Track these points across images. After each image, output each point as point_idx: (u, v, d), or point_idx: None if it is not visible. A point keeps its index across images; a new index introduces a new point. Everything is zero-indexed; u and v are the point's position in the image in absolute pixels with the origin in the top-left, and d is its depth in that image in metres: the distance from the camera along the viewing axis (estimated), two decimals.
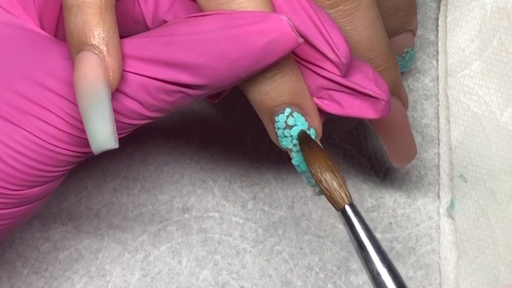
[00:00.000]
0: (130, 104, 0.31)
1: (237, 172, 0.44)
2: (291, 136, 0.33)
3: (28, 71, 0.32)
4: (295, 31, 0.29)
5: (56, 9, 0.34)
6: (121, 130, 0.32)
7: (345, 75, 0.32)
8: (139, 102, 0.31)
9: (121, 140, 0.31)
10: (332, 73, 0.32)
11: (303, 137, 0.32)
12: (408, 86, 0.45)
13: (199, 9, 0.31)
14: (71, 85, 0.30)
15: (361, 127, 0.45)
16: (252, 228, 0.43)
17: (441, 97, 0.45)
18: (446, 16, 0.45)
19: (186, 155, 0.45)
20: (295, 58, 0.32)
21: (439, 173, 0.43)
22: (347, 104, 0.33)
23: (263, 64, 0.30)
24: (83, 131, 0.30)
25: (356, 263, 0.42)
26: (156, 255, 0.43)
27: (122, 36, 0.31)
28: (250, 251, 0.43)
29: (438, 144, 0.44)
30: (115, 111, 0.30)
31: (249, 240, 0.43)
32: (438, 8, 0.47)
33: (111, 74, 0.30)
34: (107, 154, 0.33)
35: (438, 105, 0.45)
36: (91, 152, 0.31)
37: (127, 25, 0.33)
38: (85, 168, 0.44)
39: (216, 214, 0.44)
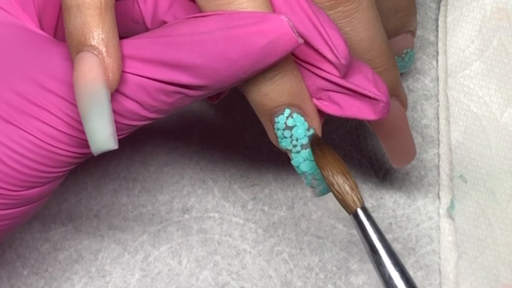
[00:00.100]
0: (129, 105, 0.31)
1: (237, 172, 0.44)
2: (290, 137, 0.33)
3: (28, 72, 0.32)
4: (295, 31, 0.29)
5: (56, 10, 0.34)
6: (121, 131, 0.32)
7: (344, 76, 0.32)
8: (139, 103, 0.31)
9: (120, 141, 0.31)
10: (331, 74, 0.32)
11: (315, 140, 0.32)
12: (408, 87, 0.45)
13: (199, 9, 0.31)
14: (71, 86, 0.30)
15: (361, 128, 0.45)
16: (252, 228, 0.43)
17: (441, 97, 0.45)
18: (446, 17, 0.45)
19: (186, 155, 0.45)
20: (294, 59, 0.32)
21: (439, 173, 0.43)
22: (346, 105, 0.33)
23: (263, 64, 0.30)
24: (83, 132, 0.30)
25: (356, 263, 0.42)
26: (156, 255, 0.43)
27: (121, 37, 0.31)
28: (250, 252, 0.43)
29: (438, 145, 0.44)
30: (114, 112, 0.30)
31: (249, 240, 0.43)
32: (438, 8, 0.47)
33: (110, 75, 0.30)
34: (107, 155, 0.33)
35: (438, 105, 0.45)
36: (91, 153, 0.31)
37: (127, 25, 0.33)
38: (85, 169, 0.44)
39: (216, 215, 0.44)
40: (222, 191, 0.44)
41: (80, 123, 0.30)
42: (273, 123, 0.32)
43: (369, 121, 0.37)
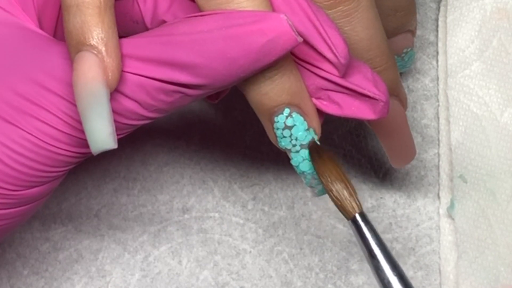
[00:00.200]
0: (129, 105, 0.31)
1: (237, 172, 0.44)
2: (290, 136, 0.33)
3: (27, 71, 0.32)
4: (294, 30, 0.29)
5: (55, 9, 0.34)
6: (120, 131, 0.32)
7: (343, 76, 0.32)
8: (138, 103, 0.31)
9: (120, 141, 0.31)
10: (331, 73, 0.32)
11: (313, 147, 0.32)
12: (408, 87, 0.45)
13: (198, 9, 0.31)
14: (70, 85, 0.30)
15: (361, 128, 0.45)
16: (252, 228, 0.43)
17: (441, 97, 0.45)
18: (446, 17, 0.45)
19: (185, 155, 0.45)
20: (293, 59, 0.32)
21: (439, 173, 0.43)
22: (345, 105, 0.33)
23: (263, 63, 0.30)
24: (82, 131, 0.30)
25: (356, 263, 0.42)
26: (156, 255, 0.43)
27: (121, 36, 0.31)
28: (250, 252, 0.43)
29: (438, 145, 0.44)
30: (114, 111, 0.30)
31: (249, 240, 0.43)
32: (438, 8, 0.47)
33: (110, 74, 0.30)
34: (107, 155, 0.33)
35: (438, 105, 0.45)
36: (90, 153, 0.31)
37: (126, 25, 0.33)
38: (84, 168, 0.44)
39: (216, 215, 0.44)
40: (222, 191, 0.44)
41: (80, 122, 0.30)
42: (272, 122, 0.32)
43: (368, 121, 0.37)
